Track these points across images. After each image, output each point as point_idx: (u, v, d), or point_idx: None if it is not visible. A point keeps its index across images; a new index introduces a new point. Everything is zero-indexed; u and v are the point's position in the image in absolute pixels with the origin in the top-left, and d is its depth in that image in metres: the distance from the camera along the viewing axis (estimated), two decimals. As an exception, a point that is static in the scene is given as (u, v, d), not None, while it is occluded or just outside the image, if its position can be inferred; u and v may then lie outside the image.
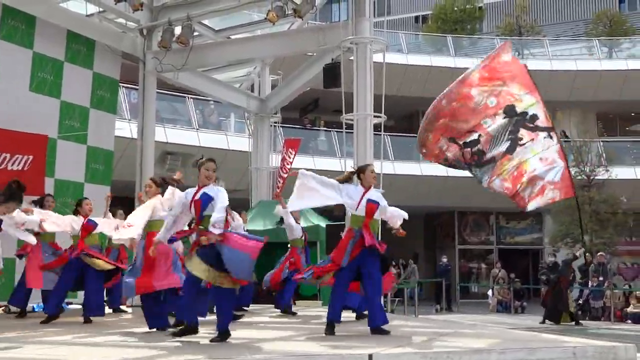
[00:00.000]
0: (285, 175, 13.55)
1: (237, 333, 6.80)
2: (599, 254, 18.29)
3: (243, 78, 15.32)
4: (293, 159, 14.27)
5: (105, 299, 9.38)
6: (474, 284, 26.43)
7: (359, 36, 10.77)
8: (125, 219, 9.47)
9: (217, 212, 5.94)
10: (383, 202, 7.09)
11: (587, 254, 17.97)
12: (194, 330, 6.22)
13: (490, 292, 22.14)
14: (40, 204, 8.71)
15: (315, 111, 23.95)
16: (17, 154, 9.73)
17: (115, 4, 10.74)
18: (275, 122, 15.13)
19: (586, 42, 29.56)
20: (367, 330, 6.79)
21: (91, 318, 8.08)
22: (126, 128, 16.70)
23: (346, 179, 7.16)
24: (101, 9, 11.77)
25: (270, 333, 6.58)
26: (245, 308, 9.50)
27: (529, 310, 20.05)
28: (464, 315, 18.23)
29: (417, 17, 38.32)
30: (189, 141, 19.26)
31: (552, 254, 19.38)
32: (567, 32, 33.56)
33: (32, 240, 8.08)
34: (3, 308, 10.36)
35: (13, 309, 9.92)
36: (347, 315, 8.52)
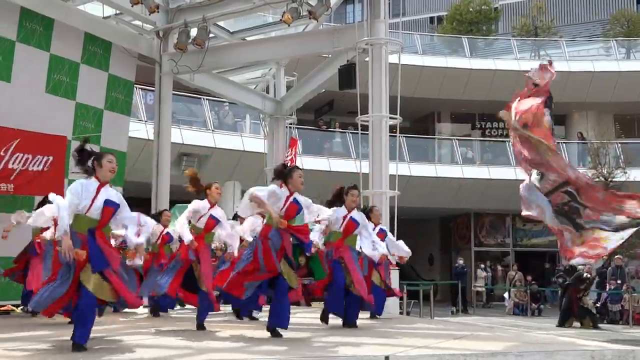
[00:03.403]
0: None
1: (251, 333, 6.81)
2: (616, 257, 18.12)
3: (258, 79, 15.36)
4: (291, 157, 14.37)
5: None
6: (490, 287, 26.30)
7: (374, 37, 10.76)
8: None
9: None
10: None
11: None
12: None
13: (506, 295, 22.02)
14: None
15: (330, 113, 23.90)
16: (38, 155, 9.82)
17: (132, 6, 10.79)
18: (291, 124, 15.14)
19: (603, 42, 29.33)
20: (385, 331, 6.76)
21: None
22: (142, 129, 16.77)
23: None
24: (118, 12, 11.84)
25: (287, 333, 6.56)
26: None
27: (545, 313, 19.92)
28: (480, 318, 18.13)
29: (432, 18, 38.23)
30: (205, 142, 19.32)
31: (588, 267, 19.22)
32: (583, 33, 33.35)
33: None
34: (22, 308, 10.44)
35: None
36: (363, 315, 8.50)
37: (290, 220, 6.42)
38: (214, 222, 7.41)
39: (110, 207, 5.49)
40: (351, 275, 7.42)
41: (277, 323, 6.36)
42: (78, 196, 5.40)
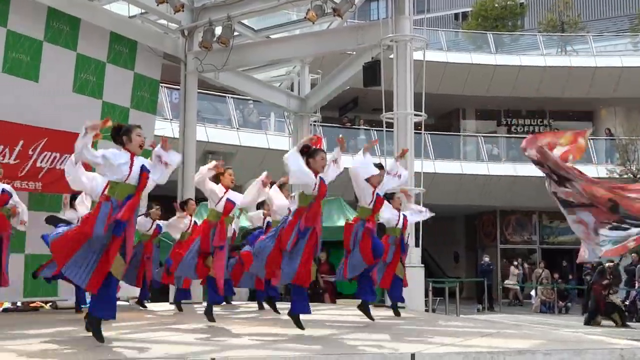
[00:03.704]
0: None
1: (275, 330, 6.82)
2: (632, 254, 17.88)
3: (283, 77, 15.37)
4: None
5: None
6: (521, 284, 26.11)
7: (398, 34, 10.71)
8: (160, 215, 9.64)
9: None
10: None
11: (633, 254, 17.63)
12: None
13: (533, 293, 21.83)
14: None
15: (354, 110, 23.89)
16: (65, 154, 9.90)
17: (157, 5, 10.85)
18: (315, 121, 15.14)
19: (631, 37, 28.94)
20: (411, 329, 6.74)
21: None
22: (168, 128, 16.88)
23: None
24: (143, 11, 11.92)
25: (312, 331, 6.56)
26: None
27: (573, 311, 19.72)
28: (506, 315, 18.00)
29: (456, 15, 38.01)
30: (230, 140, 19.41)
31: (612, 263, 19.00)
32: (611, 28, 32.94)
33: None
34: (50, 304, 10.58)
35: (61, 304, 10.13)
36: (389, 313, 8.48)
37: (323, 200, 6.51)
38: (231, 205, 7.55)
39: (146, 173, 5.69)
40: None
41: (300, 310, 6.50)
42: (114, 155, 5.61)
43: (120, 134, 5.77)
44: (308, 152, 6.49)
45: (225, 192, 7.57)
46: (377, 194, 7.37)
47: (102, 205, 5.52)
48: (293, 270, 6.31)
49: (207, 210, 7.84)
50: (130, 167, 5.62)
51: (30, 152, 9.46)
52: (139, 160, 5.71)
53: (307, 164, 6.45)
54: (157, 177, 5.88)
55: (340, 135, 6.88)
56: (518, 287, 23.69)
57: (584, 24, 32.59)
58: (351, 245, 7.32)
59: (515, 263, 24.24)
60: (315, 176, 6.45)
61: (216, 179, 7.69)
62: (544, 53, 26.41)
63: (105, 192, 5.61)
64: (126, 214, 5.50)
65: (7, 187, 7.61)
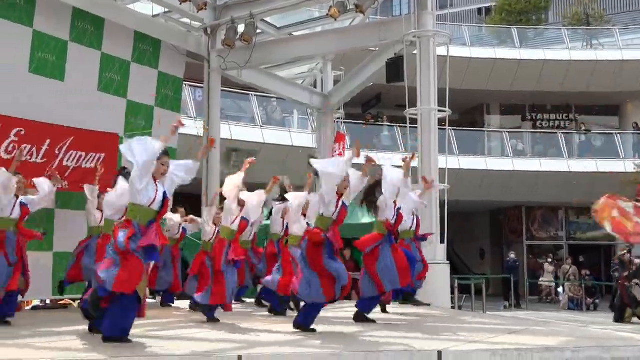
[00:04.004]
0: None
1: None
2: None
3: (305, 74, 15.36)
4: (339, 151, 14.30)
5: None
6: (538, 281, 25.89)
7: (421, 30, 10.65)
8: (187, 215, 9.68)
9: None
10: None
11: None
12: None
13: (560, 289, 21.62)
14: None
15: (377, 106, 23.82)
16: (91, 152, 9.99)
17: (180, 4, 10.89)
18: (338, 118, 15.12)
19: (658, 30, 28.57)
20: (437, 326, 6.71)
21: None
22: (192, 126, 16.94)
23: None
24: (167, 10, 11.97)
25: (337, 328, 6.56)
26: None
27: (601, 308, 19.50)
28: (533, 312, 17.86)
29: (480, 9, 37.72)
30: (253, 138, 19.46)
31: (626, 250, 18.76)
32: (637, 20, 32.46)
33: None
34: (79, 302, 10.66)
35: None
36: (414, 310, 8.45)
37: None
38: (245, 223, 7.55)
39: (168, 200, 5.72)
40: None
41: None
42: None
43: None
44: None
45: (241, 211, 7.60)
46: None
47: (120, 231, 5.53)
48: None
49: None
50: (156, 192, 5.64)
51: (57, 151, 9.54)
52: (161, 186, 5.74)
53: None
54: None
55: (357, 140, 6.87)
56: (553, 284, 23.44)
57: (609, 17, 32.18)
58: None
59: (550, 260, 23.96)
60: (339, 199, 6.45)
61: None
62: (569, 47, 26.13)
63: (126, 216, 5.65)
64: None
65: (24, 199, 7.63)
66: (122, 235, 5.45)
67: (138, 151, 5.59)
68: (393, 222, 7.41)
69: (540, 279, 23.63)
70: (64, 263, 9.89)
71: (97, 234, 8.89)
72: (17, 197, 7.44)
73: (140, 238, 5.45)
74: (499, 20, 31.31)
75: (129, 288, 5.39)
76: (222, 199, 8.13)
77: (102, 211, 8.72)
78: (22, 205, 7.48)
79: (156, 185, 5.67)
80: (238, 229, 7.59)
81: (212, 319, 7.49)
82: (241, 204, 8.06)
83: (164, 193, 5.70)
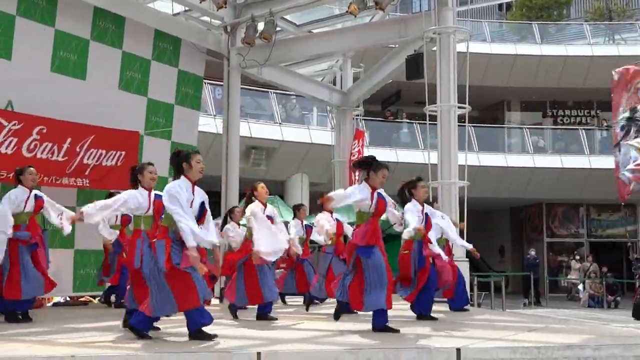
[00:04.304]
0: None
1: (319, 324, 6.84)
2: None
3: (325, 72, 15.36)
4: (358, 148, 14.30)
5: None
6: (564, 278, 25.71)
7: (441, 26, 10.60)
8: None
9: None
10: None
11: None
12: None
13: (581, 287, 21.44)
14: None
15: (397, 103, 23.78)
16: (111, 150, 10.08)
17: (200, 2, 10.93)
18: (358, 115, 15.10)
19: (682, 24, 28.18)
20: (456, 323, 6.68)
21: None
22: (211, 124, 17.03)
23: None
24: (186, 8, 12.03)
25: (355, 326, 6.56)
26: None
27: (622, 306, 19.31)
28: (553, 310, 17.74)
29: (500, 5, 37.35)
30: (273, 135, 19.50)
31: None
32: (660, 15, 32.09)
33: None
34: (99, 299, 10.78)
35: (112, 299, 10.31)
36: (437, 308, 8.42)
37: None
38: (272, 222, 7.50)
39: (205, 208, 5.59)
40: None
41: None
42: (183, 198, 5.41)
43: (179, 160, 5.62)
44: (372, 165, 6.41)
45: (264, 210, 7.49)
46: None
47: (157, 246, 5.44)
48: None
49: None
50: (192, 201, 5.48)
51: (78, 149, 9.64)
52: (199, 194, 5.58)
53: (367, 176, 6.39)
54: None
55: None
56: (579, 282, 23.23)
57: (632, 11, 31.80)
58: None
59: (578, 257, 23.75)
60: (373, 192, 6.39)
61: (249, 199, 7.60)
62: (590, 42, 25.87)
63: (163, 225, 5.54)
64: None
65: (39, 192, 7.71)
66: (160, 256, 5.34)
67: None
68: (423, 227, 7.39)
69: (568, 277, 23.43)
70: (85, 260, 10.02)
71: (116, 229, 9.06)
72: (30, 190, 7.50)
73: (178, 248, 5.36)
74: (519, 16, 31.07)
75: (194, 303, 5.38)
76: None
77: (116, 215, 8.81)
78: (37, 198, 7.54)
79: (193, 193, 5.52)
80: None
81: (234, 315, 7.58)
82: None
83: (202, 203, 5.56)
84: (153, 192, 6.18)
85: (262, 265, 7.31)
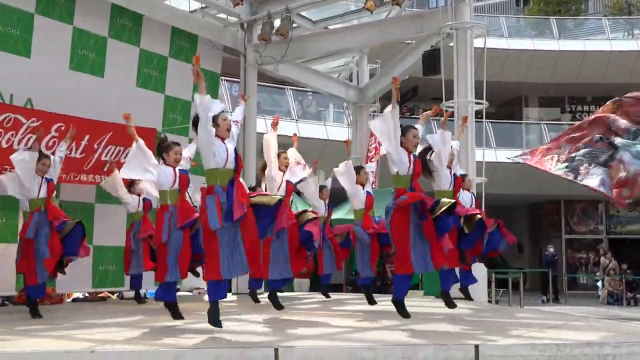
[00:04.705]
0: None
1: (338, 321, 6.84)
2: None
3: (341, 68, 15.35)
4: (375, 145, 14.27)
5: None
6: (582, 275, 25.53)
7: (458, 21, 10.56)
8: None
9: None
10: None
11: None
12: None
13: (600, 284, 21.28)
14: None
15: (414, 99, 23.65)
16: (129, 147, 10.08)
17: (217, -1, 10.99)
18: (374, 112, 15.07)
19: (702, 18, 27.87)
20: (474, 320, 6.66)
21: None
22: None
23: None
24: (203, 5, 12.07)
25: (373, 324, 6.55)
26: None
27: (642, 303, 19.18)
28: (572, 307, 17.62)
29: (517, 0, 37.20)
30: (289, 132, 19.44)
31: None
32: (681, 9, 31.72)
33: None
34: (117, 295, 10.86)
35: (127, 295, 10.38)
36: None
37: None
38: (292, 186, 7.69)
39: (239, 155, 5.83)
40: None
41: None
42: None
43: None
44: (401, 128, 6.50)
45: (282, 176, 7.74)
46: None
47: (208, 198, 5.54)
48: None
49: (298, 200, 8.07)
50: (227, 152, 5.69)
51: (96, 146, 9.68)
52: (230, 143, 5.79)
53: (400, 142, 6.49)
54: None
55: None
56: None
57: (652, 6, 31.49)
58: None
59: (608, 254, 23.54)
60: (409, 155, 6.50)
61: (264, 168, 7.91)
62: (609, 37, 25.64)
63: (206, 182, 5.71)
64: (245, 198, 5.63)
65: (49, 176, 7.78)
66: (211, 214, 5.43)
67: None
68: (451, 188, 7.45)
69: (597, 274, 23.25)
70: (104, 256, 10.07)
71: (137, 219, 9.09)
72: (42, 177, 7.60)
73: (225, 201, 5.47)
74: (537, 10, 30.85)
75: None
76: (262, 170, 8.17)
77: (139, 195, 8.97)
78: (48, 181, 7.63)
79: (225, 144, 5.73)
80: (286, 192, 7.76)
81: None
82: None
83: (235, 149, 5.80)
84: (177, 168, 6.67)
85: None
